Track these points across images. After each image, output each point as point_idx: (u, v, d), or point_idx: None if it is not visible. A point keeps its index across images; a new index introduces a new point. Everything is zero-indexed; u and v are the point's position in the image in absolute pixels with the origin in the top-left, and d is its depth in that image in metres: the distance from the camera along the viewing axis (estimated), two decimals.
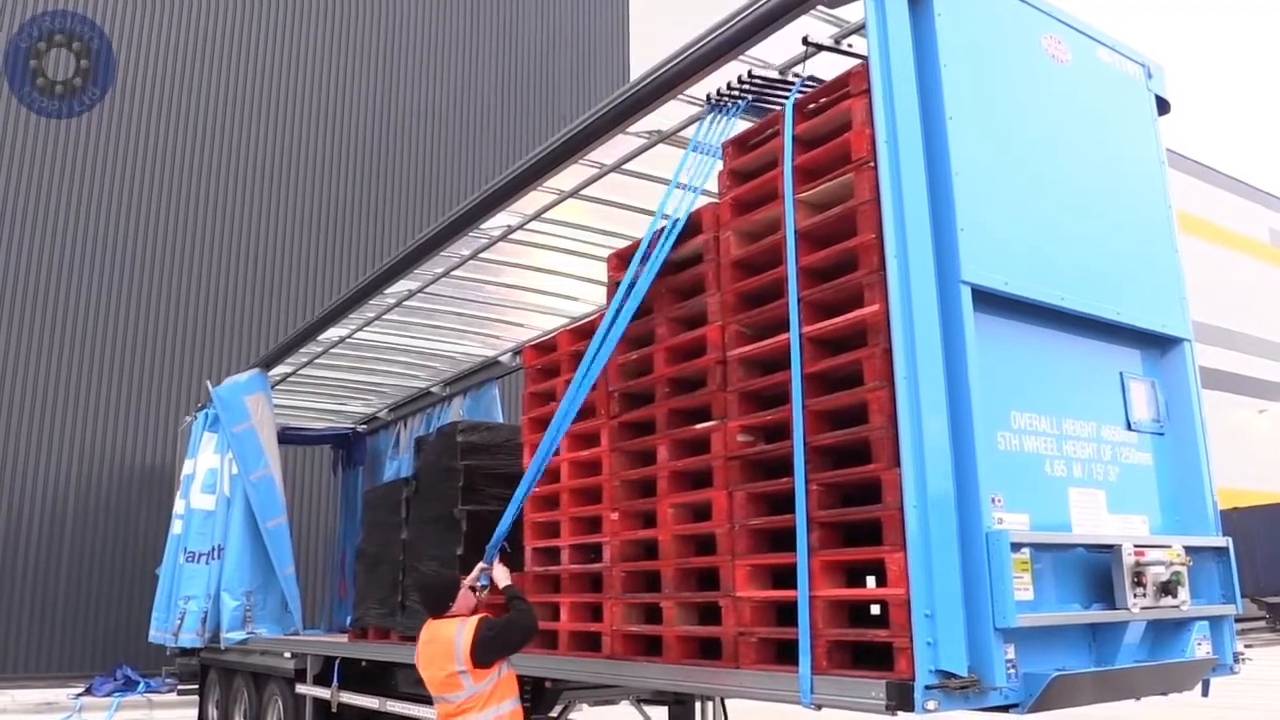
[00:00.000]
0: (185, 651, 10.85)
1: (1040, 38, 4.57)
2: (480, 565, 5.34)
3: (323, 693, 8.13)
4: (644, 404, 5.24)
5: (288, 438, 12.17)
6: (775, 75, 5.13)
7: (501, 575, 5.22)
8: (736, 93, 5.02)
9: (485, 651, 4.79)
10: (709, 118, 5.13)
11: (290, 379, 11.39)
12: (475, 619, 4.90)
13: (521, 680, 5.97)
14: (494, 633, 4.83)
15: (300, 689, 8.48)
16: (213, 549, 10.23)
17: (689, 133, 5.85)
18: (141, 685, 14.12)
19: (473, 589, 5.26)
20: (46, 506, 15.62)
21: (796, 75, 4.85)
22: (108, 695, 13.70)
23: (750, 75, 5.00)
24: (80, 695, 13.68)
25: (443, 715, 4.97)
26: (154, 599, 11.28)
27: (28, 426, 15.67)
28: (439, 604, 5.11)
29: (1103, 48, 4.89)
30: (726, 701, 6.94)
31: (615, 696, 7.04)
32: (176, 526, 11.02)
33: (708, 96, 5.16)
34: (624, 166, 6.47)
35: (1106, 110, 4.84)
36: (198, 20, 18.16)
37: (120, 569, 15.77)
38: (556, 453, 5.81)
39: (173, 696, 12.46)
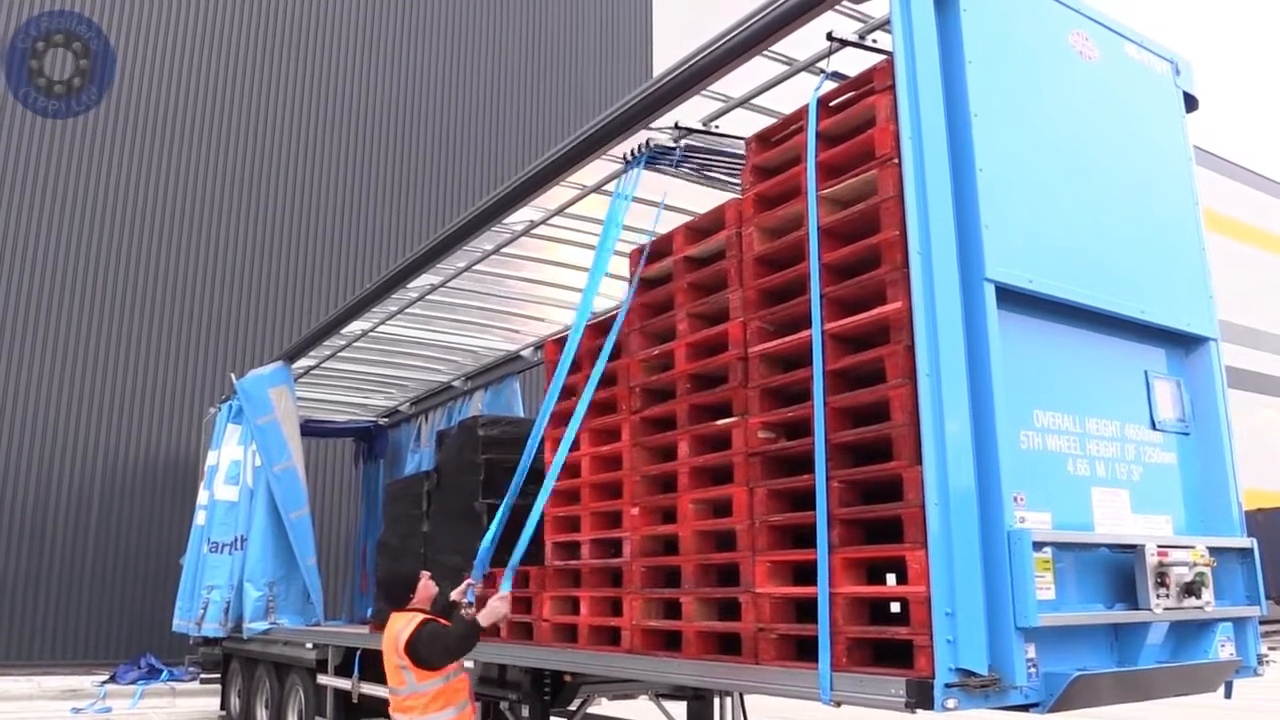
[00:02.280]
0: (208, 641, 10.96)
1: (1067, 34, 4.54)
2: (468, 580, 5.46)
3: (344, 683, 8.18)
4: (665, 399, 5.24)
5: (310, 430, 12.27)
6: (669, 143, 5.75)
7: (489, 614, 5.11)
8: (641, 152, 5.68)
9: (414, 650, 4.89)
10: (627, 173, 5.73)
11: (313, 372, 11.46)
12: (419, 618, 5.02)
13: (541, 674, 6.01)
14: (425, 637, 4.92)
15: (321, 679, 8.54)
16: (236, 540, 10.32)
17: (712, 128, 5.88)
18: (165, 673, 14.27)
19: (455, 603, 5.38)
20: (72, 497, 15.78)
21: (821, 70, 4.84)
22: (132, 683, 13.84)
23: (647, 143, 5.65)
24: (105, 682, 13.83)
25: (392, 705, 5.12)
26: (178, 589, 11.38)
27: (53, 417, 15.83)
28: (399, 598, 5.26)
29: (1131, 44, 4.85)
30: (745, 697, 6.94)
31: (634, 691, 7.05)
32: (200, 517, 11.13)
33: (624, 156, 5.79)
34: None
35: (1134, 107, 4.80)
36: (221, 9, 18.26)
37: (145, 559, 15.92)
38: (575, 448, 5.84)
39: (195, 685, 12.61)
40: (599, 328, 6.05)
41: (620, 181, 5.87)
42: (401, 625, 5.03)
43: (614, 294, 8.37)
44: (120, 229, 16.78)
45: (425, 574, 5.40)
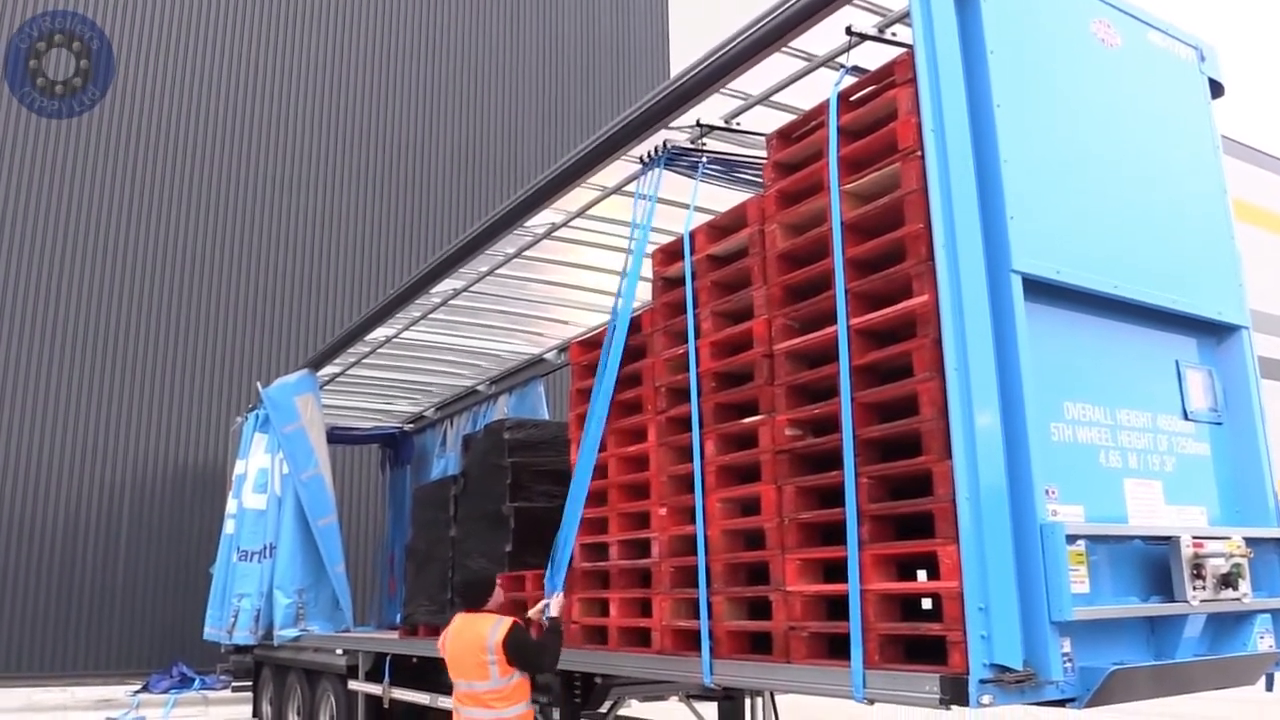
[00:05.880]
0: (239, 649, 11.01)
1: (1089, 22, 4.50)
2: (548, 598, 5.51)
3: (374, 689, 8.21)
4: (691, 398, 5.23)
5: (336, 437, 12.31)
6: (687, 144, 5.80)
7: (556, 606, 5.43)
8: (659, 153, 5.76)
9: (514, 651, 5.07)
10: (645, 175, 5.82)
11: (339, 379, 11.51)
12: (509, 620, 5.18)
13: (571, 675, 6.00)
14: (525, 641, 5.14)
15: (352, 685, 8.57)
16: (265, 548, 10.37)
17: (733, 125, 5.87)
18: (197, 682, 14.33)
19: (529, 619, 5.53)
20: (103, 507, 15.91)
21: (840, 65, 4.82)
22: (164, 692, 13.91)
23: (665, 144, 5.74)
24: (138, 692, 13.91)
25: (464, 698, 5.22)
26: (208, 597, 11.45)
27: (81, 430, 15.96)
28: (477, 599, 5.41)
29: (1154, 31, 4.80)
30: (776, 696, 6.91)
31: (664, 692, 7.04)
32: (229, 526, 11.19)
33: (641, 158, 5.87)
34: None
35: (1159, 95, 4.76)
36: (246, 18, 18.40)
37: (175, 568, 16.02)
38: (602, 449, 5.83)
39: (228, 693, 12.66)
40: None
41: (640, 183, 5.86)
42: (489, 625, 5.16)
43: (639, 294, 8.36)
44: (143, 241, 16.90)
45: (500, 577, 5.60)
